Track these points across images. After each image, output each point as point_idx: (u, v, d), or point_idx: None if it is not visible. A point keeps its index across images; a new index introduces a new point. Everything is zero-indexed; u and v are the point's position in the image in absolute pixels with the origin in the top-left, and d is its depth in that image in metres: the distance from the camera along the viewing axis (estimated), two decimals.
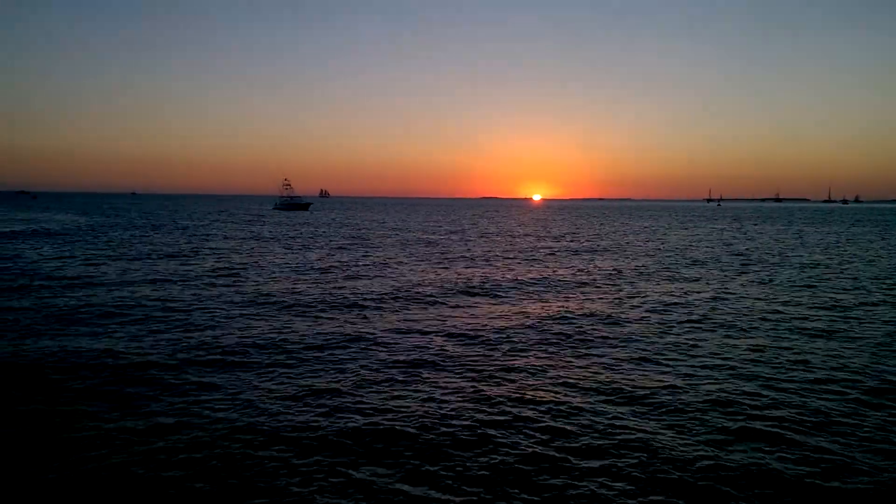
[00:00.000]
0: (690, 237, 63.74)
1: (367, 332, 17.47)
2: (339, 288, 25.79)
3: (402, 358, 14.85)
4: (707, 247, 50.29)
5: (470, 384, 12.90)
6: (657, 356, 15.23)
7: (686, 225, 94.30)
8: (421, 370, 13.90)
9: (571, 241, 55.99)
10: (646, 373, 13.80)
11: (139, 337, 16.58)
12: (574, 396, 12.13)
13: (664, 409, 11.43)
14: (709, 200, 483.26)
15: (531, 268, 34.04)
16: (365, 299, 22.96)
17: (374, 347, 15.92)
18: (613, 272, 32.26)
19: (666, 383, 12.96)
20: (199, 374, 13.27)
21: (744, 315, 20.64)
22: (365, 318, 19.67)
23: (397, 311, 21.01)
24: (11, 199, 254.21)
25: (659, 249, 47.54)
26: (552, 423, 10.68)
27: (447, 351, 15.58)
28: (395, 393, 12.30)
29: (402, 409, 11.29)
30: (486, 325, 18.84)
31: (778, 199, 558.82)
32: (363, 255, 40.15)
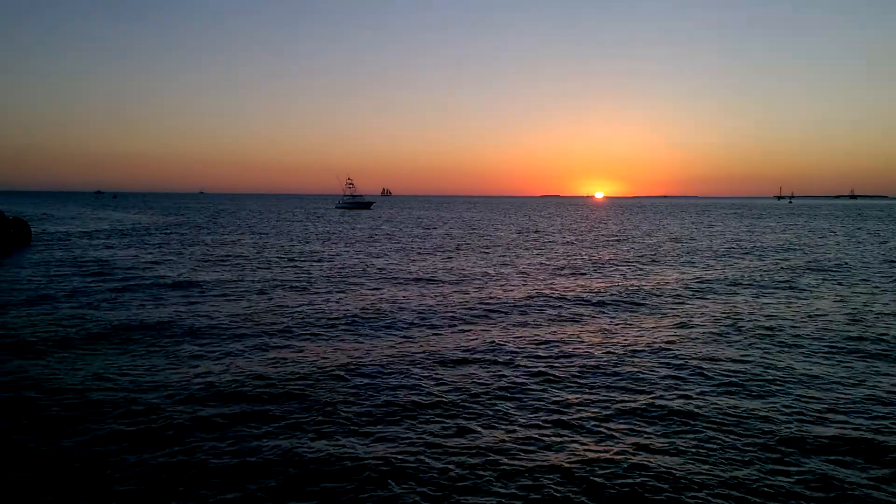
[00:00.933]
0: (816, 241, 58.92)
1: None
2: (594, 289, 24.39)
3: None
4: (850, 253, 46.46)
5: None
6: None
7: (782, 227, 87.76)
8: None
9: (692, 242, 53.14)
10: None
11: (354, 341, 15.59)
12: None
13: None
14: (779, 198, 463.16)
15: (709, 269, 31.85)
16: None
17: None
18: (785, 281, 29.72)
19: None
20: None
21: None
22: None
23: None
24: (90, 198, 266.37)
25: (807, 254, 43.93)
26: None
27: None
28: None
29: None
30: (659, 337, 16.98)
31: (853, 196, 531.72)
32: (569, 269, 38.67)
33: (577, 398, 12.45)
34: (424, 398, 12.39)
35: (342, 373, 14.05)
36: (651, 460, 9.53)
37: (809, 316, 20.81)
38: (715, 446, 10.08)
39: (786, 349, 16.42)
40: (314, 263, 35.62)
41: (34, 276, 28.53)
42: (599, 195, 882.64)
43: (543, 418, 11.34)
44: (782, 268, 34.66)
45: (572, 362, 15.02)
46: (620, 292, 25.69)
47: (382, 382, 13.38)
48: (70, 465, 9.37)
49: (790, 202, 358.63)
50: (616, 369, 14.44)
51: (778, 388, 13.10)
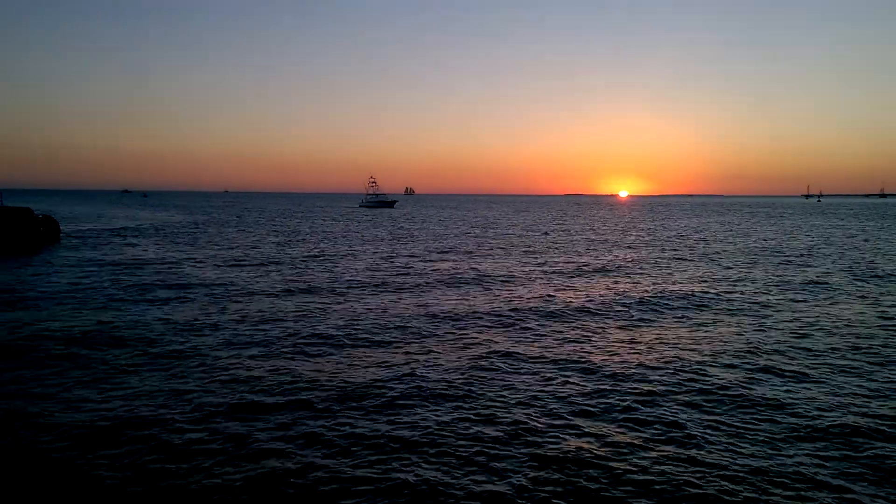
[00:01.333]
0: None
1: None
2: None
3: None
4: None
5: None
6: None
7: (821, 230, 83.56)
8: None
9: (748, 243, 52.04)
10: None
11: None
12: None
13: None
14: (807, 196, 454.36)
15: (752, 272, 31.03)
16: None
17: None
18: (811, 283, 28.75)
19: None
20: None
21: None
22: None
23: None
24: (118, 197, 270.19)
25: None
26: None
27: None
28: None
29: None
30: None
31: (883, 195, 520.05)
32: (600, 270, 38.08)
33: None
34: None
35: (417, 373, 13.56)
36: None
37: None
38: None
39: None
40: (385, 271, 35.25)
41: (61, 274, 28.53)
42: (623, 194, 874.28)
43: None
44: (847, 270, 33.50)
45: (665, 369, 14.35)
46: (701, 293, 24.92)
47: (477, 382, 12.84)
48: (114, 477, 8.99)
49: (819, 201, 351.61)
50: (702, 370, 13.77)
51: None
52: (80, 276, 27.59)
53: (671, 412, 11.42)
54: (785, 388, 12.86)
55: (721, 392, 12.52)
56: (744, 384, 13.03)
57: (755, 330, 18.30)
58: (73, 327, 17.71)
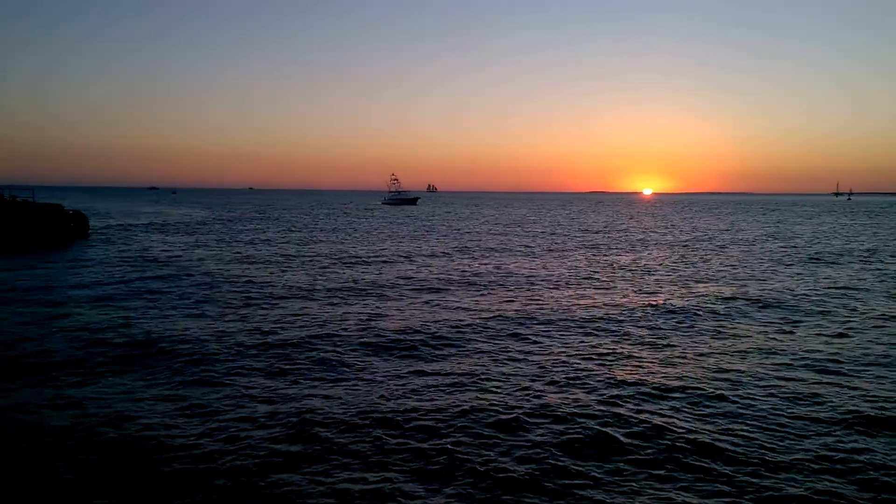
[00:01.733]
0: None
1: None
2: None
3: None
4: None
5: None
6: None
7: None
8: None
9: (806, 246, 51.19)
10: None
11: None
12: None
13: None
14: (837, 194, 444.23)
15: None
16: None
17: None
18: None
19: None
20: None
21: None
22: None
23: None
24: (146, 194, 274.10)
25: None
26: None
27: None
28: None
29: None
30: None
31: None
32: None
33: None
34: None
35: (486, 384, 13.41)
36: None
37: None
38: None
39: None
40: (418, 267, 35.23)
41: (91, 269, 28.88)
42: (648, 192, 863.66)
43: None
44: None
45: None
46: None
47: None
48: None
49: (849, 199, 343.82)
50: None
51: None
52: (106, 272, 27.89)
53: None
54: None
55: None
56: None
57: None
58: (97, 325, 17.85)
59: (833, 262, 34.39)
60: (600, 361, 14.36)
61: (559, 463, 9.07)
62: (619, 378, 13.03)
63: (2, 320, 17.90)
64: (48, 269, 27.98)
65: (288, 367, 13.73)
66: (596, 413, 10.98)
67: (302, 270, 29.52)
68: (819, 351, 15.34)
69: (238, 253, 37.03)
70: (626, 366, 14.02)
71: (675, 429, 10.29)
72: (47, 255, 33.27)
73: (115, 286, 24.01)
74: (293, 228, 61.13)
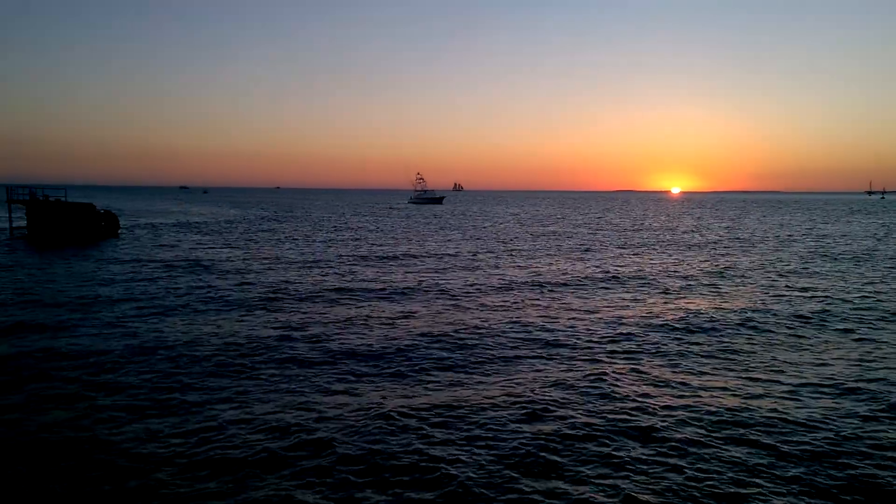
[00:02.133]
0: None
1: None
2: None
3: None
4: None
5: None
6: None
7: None
8: None
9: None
10: None
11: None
12: None
13: None
14: (870, 193, 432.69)
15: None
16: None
17: None
18: None
19: None
20: None
21: None
22: None
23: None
24: (177, 193, 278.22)
25: None
26: None
27: None
28: None
29: None
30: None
31: None
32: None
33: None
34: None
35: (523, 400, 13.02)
36: None
37: None
38: None
39: None
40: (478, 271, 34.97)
41: (120, 267, 29.01)
42: (676, 190, 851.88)
43: None
44: None
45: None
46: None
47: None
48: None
49: (882, 198, 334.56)
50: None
51: None
52: (135, 269, 27.98)
53: None
54: None
55: None
56: None
57: None
58: (127, 322, 17.78)
59: None
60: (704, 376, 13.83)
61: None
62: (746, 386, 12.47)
63: (32, 317, 17.93)
64: (80, 266, 28.20)
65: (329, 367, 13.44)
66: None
67: (330, 270, 29.33)
68: None
69: (265, 253, 36.98)
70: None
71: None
72: (78, 252, 33.57)
73: (143, 284, 24.01)
74: (319, 228, 61.17)
